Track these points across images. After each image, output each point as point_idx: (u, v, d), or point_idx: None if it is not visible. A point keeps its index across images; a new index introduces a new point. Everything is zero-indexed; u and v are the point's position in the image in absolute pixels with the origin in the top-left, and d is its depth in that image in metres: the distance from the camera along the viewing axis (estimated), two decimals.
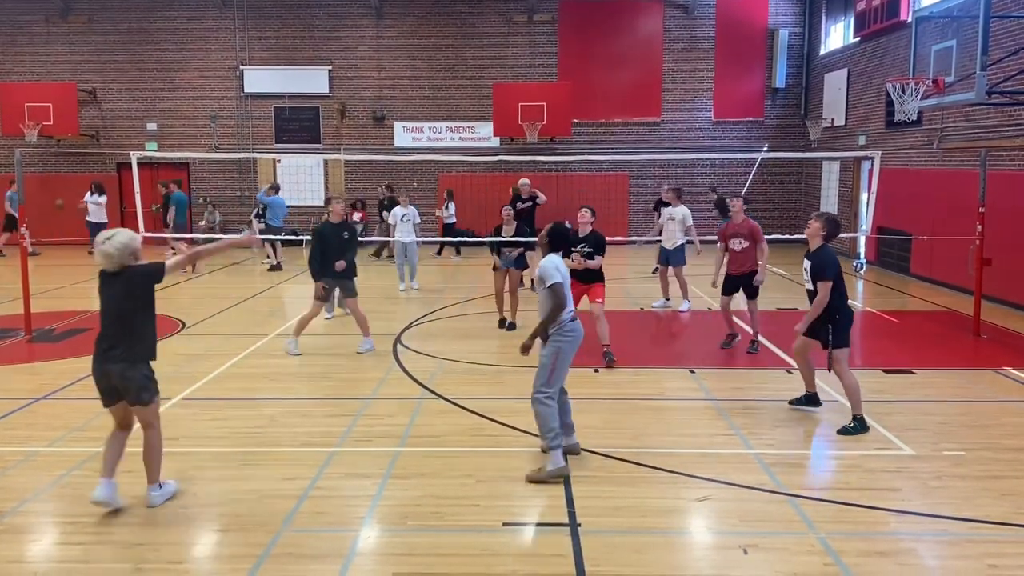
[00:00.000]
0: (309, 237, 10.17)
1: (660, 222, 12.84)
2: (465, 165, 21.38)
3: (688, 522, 5.45)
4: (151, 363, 5.49)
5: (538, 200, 15.19)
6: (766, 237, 10.06)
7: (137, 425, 5.64)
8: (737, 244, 9.92)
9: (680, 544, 5.14)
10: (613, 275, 13.64)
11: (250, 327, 11.46)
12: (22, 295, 10.88)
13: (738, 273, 9.97)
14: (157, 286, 5.47)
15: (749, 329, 10.14)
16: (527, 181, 15.61)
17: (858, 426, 6.91)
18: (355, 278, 10.18)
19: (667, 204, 16.25)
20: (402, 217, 14.63)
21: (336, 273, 9.87)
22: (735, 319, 10.35)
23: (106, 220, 19.23)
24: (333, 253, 9.81)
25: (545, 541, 5.10)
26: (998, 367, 9.14)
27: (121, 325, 5.37)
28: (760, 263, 9.86)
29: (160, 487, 5.65)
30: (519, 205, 14.78)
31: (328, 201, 10.42)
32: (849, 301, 7.28)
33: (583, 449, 6.55)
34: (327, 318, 11.94)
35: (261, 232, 17.06)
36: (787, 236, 18.91)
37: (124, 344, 5.35)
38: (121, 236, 5.37)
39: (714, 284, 10.30)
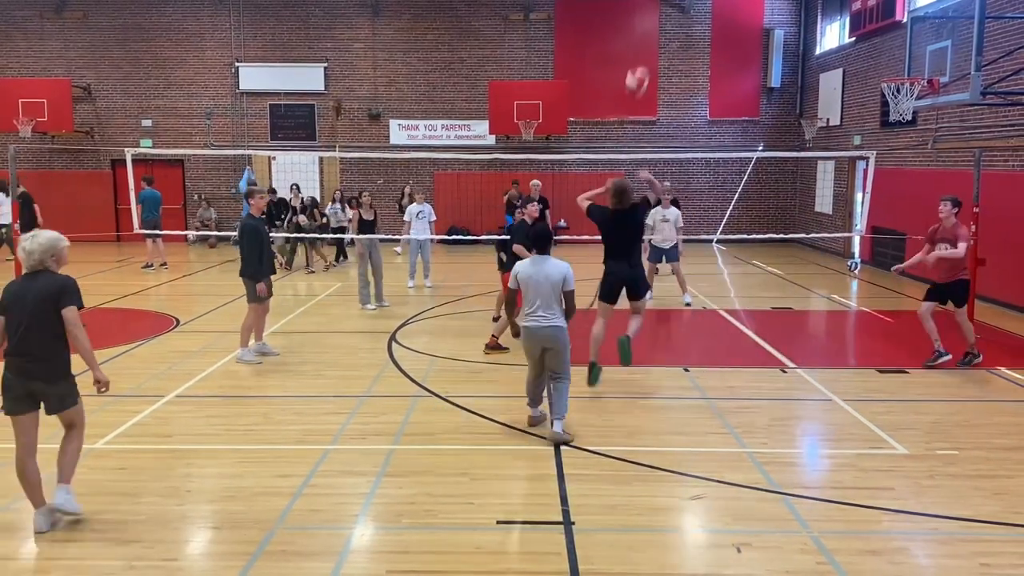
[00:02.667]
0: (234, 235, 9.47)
1: (650, 223, 12.81)
2: (460, 163, 21.34)
3: (682, 520, 5.46)
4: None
5: (560, 225, 15.09)
6: (760, 236, 10.06)
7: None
8: (944, 248, 8.91)
9: (674, 542, 5.16)
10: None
11: None
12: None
13: (944, 281, 9.08)
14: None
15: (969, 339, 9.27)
16: (538, 183, 15.59)
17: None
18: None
19: (658, 204, 16.30)
20: (417, 214, 14.62)
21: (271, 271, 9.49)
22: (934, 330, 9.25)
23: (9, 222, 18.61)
24: (267, 250, 9.43)
25: (539, 539, 5.10)
26: (991, 367, 9.17)
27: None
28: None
29: (67, 492, 5.25)
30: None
31: (251, 195, 9.53)
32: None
33: (574, 446, 6.56)
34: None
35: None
36: (782, 236, 19.03)
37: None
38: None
39: (901, 271, 9.67)
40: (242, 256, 9.30)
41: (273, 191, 17.35)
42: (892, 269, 9.97)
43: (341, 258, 17.98)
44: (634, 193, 8.17)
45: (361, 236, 12.63)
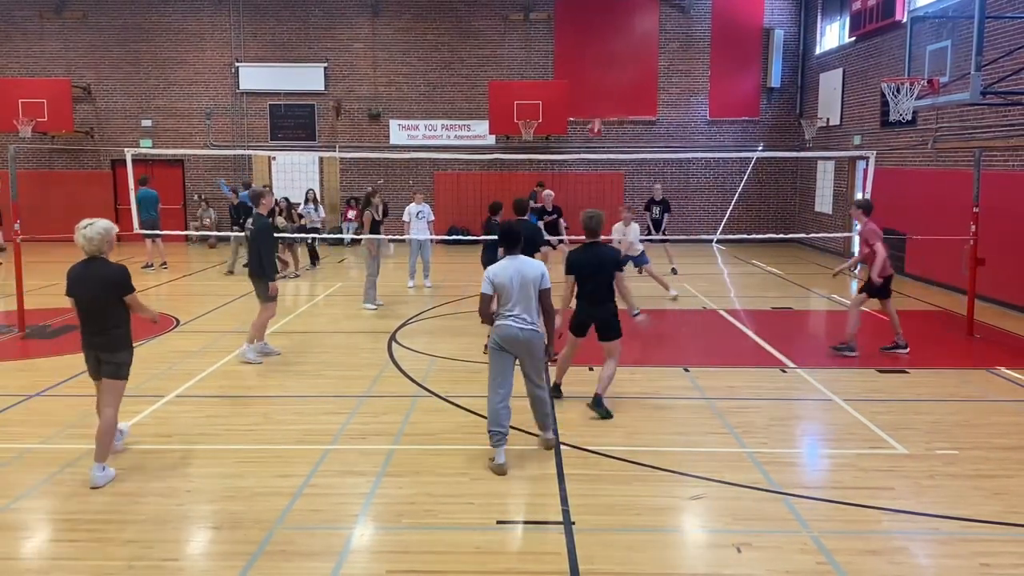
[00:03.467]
0: (242, 234, 9.54)
1: (621, 228, 12.99)
2: (460, 163, 21.36)
3: (682, 520, 5.46)
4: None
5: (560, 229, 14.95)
6: (760, 236, 10.12)
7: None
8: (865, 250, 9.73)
9: (674, 542, 5.16)
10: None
11: (244, 324, 11.41)
12: (16, 291, 10.86)
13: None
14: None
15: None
16: (551, 193, 15.57)
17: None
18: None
19: (658, 203, 16.38)
20: (417, 214, 14.62)
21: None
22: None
23: None
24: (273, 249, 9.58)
25: (539, 539, 5.10)
26: (991, 366, 9.18)
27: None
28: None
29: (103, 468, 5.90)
30: (545, 217, 14.74)
31: (261, 195, 9.77)
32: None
33: (574, 446, 6.56)
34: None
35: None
36: (782, 236, 19.04)
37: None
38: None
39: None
40: (254, 255, 9.33)
41: (235, 192, 16.97)
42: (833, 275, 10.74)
43: (315, 262, 17.33)
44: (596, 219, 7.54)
45: (372, 236, 12.67)
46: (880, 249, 9.42)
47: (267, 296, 9.32)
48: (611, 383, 7.57)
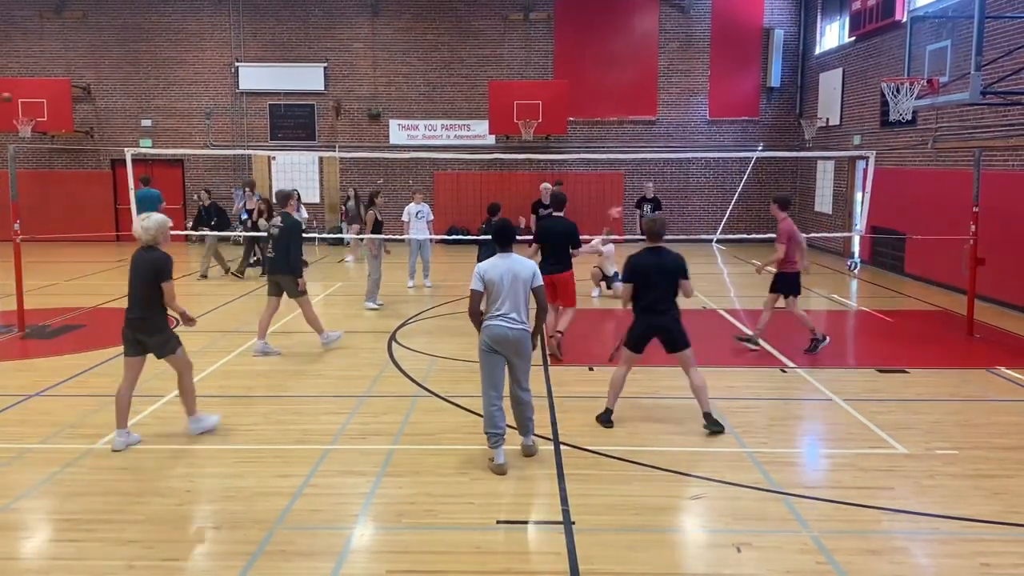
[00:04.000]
0: (274, 233, 9.71)
1: (599, 248, 13.30)
2: (460, 163, 21.36)
3: (682, 520, 5.46)
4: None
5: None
6: (760, 236, 10.15)
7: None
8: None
9: (674, 542, 5.15)
10: (598, 274, 13.71)
11: (243, 324, 11.44)
12: (15, 291, 10.85)
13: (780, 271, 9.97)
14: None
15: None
16: (548, 185, 15.59)
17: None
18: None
19: (649, 201, 16.44)
20: (416, 214, 14.61)
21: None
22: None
23: None
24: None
25: (539, 539, 5.10)
26: (991, 366, 9.18)
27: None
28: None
29: (199, 420, 6.83)
30: (541, 211, 14.74)
31: (289, 196, 10.27)
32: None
33: (574, 446, 6.56)
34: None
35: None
36: None
37: None
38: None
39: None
40: (282, 253, 9.58)
41: (208, 192, 16.65)
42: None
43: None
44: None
45: (374, 236, 12.68)
46: (780, 250, 9.56)
47: (299, 291, 9.65)
48: (707, 392, 7.07)
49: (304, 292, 9.73)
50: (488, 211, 12.53)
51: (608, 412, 7.19)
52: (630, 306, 7.11)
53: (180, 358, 6.75)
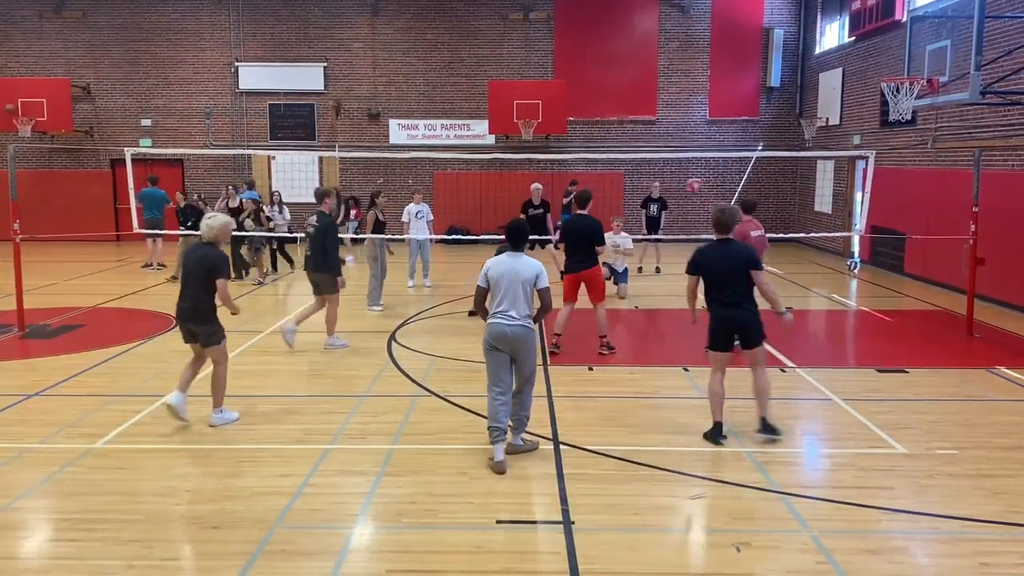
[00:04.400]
0: (310, 232, 9.94)
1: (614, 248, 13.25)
2: (460, 163, 21.36)
3: (681, 520, 5.46)
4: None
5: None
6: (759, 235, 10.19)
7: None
8: None
9: (673, 542, 5.15)
10: (605, 272, 13.67)
11: (243, 324, 11.43)
12: (15, 291, 10.85)
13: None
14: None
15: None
16: (539, 185, 15.59)
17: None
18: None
19: (655, 201, 16.39)
20: (416, 214, 14.60)
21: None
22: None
23: None
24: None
25: (539, 538, 5.10)
26: (991, 366, 9.18)
27: None
28: None
29: (221, 412, 7.14)
30: (531, 211, 14.72)
31: (326, 194, 10.37)
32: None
33: (574, 446, 6.56)
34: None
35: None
36: (781, 235, 19.00)
37: None
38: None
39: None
40: (318, 252, 9.75)
41: (184, 194, 16.14)
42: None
43: (287, 266, 16.57)
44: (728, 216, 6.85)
45: (375, 236, 12.69)
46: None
47: (334, 289, 9.82)
48: (768, 395, 6.80)
49: (337, 291, 9.89)
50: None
51: (718, 427, 6.74)
52: (700, 303, 6.90)
53: (220, 349, 7.12)
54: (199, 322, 7.03)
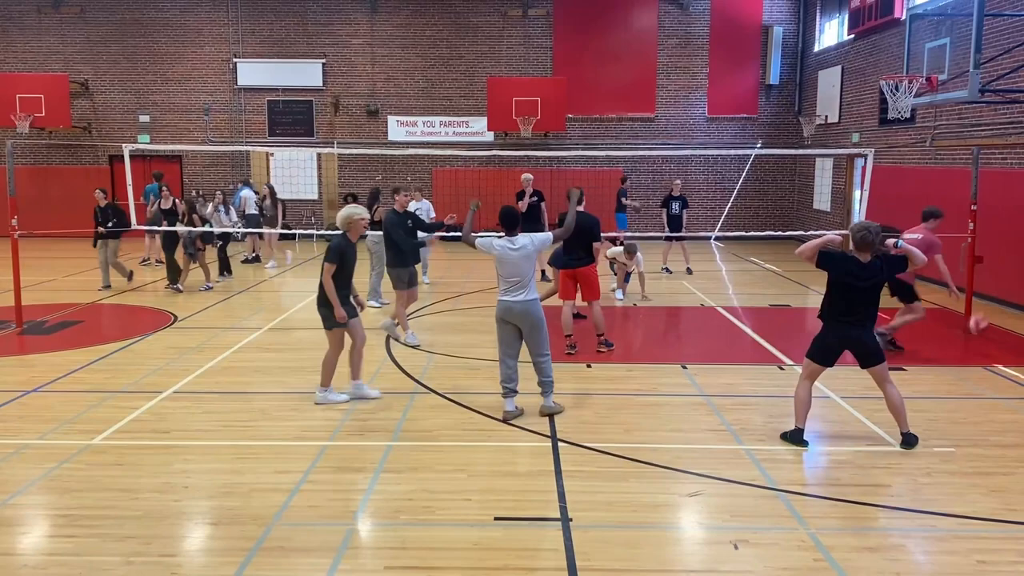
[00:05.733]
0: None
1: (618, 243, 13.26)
2: (459, 160, 21.37)
3: (679, 517, 5.47)
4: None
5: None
6: (758, 233, 10.13)
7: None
8: None
9: (671, 539, 5.16)
10: (604, 270, 13.70)
11: (242, 321, 11.44)
12: (13, 287, 10.84)
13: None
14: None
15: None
16: (530, 176, 15.55)
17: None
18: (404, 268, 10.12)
19: (676, 199, 16.17)
20: (415, 211, 14.57)
21: (412, 261, 10.17)
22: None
23: None
24: (404, 242, 10.08)
25: (537, 535, 5.11)
26: (988, 364, 9.19)
27: None
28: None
29: (325, 391, 7.65)
30: (521, 201, 14.66)
31: (397, 191, 10.75)
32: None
33: (572, 443, 6.57)
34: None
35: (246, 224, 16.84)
36: (780, 233, 19.05)
37: None
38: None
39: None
40: (393, 249, 10.01)
41: (104, 191, 14.32)
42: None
43: (225, 273, 15.00)
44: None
45: (373, 233, 12.66)
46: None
47: (396, 286, 10.06)
48: (905, 409, 6.58)
49: (403, 288, 10.05)
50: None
51: (799, 431, 6.63)
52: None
53: (330, 333, 7.64)
54: (319, 304, 7.60)
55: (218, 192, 16.36)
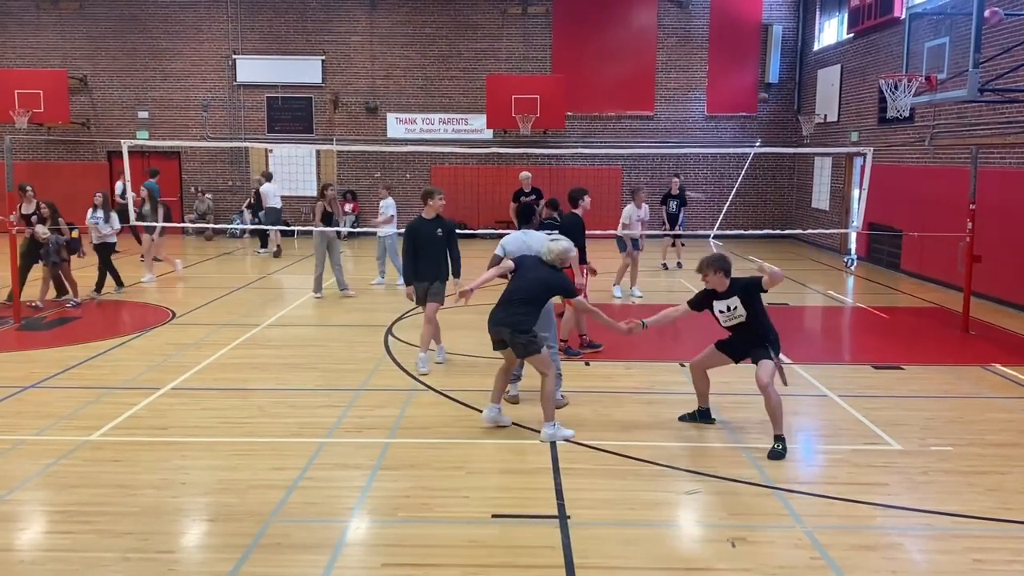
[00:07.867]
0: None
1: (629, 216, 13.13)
2: (458, 157, 21.35)
3: (676, 515, 5.48)
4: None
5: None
6: (757, 232, 10.11)
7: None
8: None
9: (668, 537, 5.16)
10: (603, 268, 13.68)
11: (240, 317, 11.43)
12: (11, 282, 10.83)
13: None
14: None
15: None
16: (528, 174, 15.57)
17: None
18: (446, 281, 9.04)
19: (675, 197, 16.30)
20: (381, 209, 14.58)
21: (430, 276, 8.84)
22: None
23: None
24: (427, 253, 8.78)
25: (534, 533, 5.11)
26: (986, 363, 9.20)
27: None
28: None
29: (554, 426, 6.62)
30: (522, 199, 14.68)
31: (428, 195, 8.95)
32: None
33: (574, 441, 6.58)
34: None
35: (256, 221, 16.90)
36: (779, 232, 19.06)
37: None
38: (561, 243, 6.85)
39: None
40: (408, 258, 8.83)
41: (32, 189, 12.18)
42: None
43: (115, 286, 13.04)
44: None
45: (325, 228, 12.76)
46: None
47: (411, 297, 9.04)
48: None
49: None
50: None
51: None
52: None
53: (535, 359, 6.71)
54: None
55: (98, 193, 13.15)
